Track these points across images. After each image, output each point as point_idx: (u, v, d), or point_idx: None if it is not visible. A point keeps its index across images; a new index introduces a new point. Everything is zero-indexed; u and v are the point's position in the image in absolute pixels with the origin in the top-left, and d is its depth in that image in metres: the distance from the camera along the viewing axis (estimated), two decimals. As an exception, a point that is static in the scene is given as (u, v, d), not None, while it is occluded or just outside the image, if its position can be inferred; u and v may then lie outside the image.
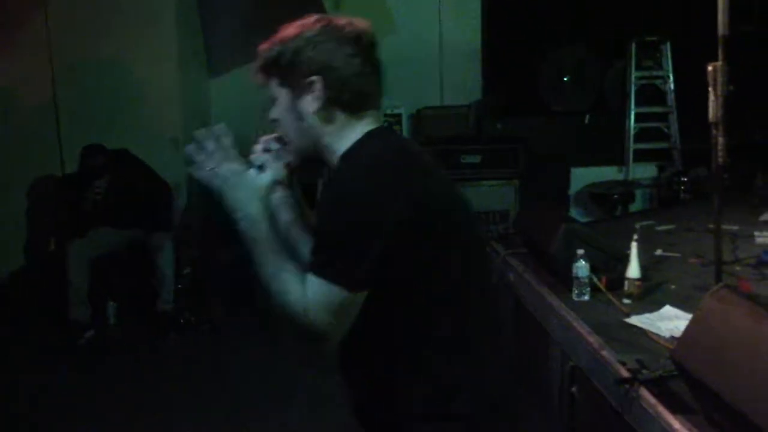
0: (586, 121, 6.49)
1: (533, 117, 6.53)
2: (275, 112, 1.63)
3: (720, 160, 2.28)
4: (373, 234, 1.42)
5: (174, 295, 4.92)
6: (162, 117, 5.60)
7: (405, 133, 6.82)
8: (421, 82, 6.87)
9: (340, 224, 1.45)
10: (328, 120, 1.58)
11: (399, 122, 6.81)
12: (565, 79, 6.65)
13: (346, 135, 1.59)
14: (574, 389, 2.71)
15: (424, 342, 1.51)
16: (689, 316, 2.52)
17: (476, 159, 5.73)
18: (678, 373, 1.80)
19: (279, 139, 1.67)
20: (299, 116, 1.59)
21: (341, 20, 1.60)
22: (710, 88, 2.28)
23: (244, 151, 4.84)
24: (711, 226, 3.85)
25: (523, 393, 3.43)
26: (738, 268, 3.14)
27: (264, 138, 1.69)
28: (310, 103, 1.56)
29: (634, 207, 6.21)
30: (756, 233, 3.67)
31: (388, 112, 6.81)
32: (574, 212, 6.30)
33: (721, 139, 2.23)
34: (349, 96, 1.57)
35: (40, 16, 5.41)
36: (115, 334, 4.94)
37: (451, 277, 1.52)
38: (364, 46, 1.58)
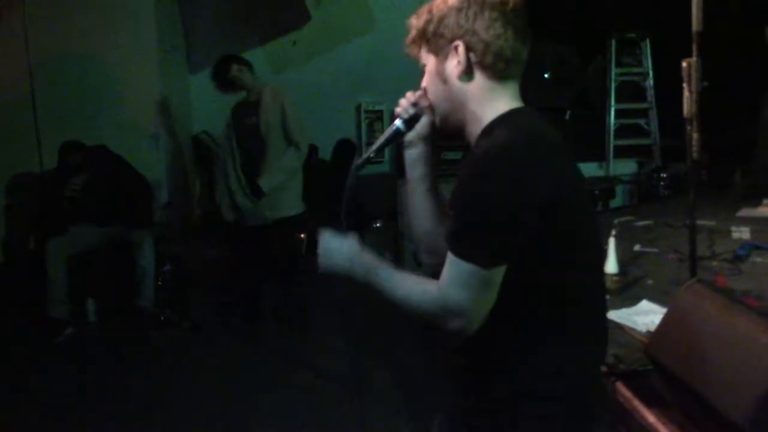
0: (567, 117, 6.53)
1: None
2: (425, 80, 1.67)
3: (695, 155, 2.29)
4: (511, 215, 1.42)
5: (154, 292, 4.89)
6: (141, 113, 5.56)
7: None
8: (401, 78, 6.83)
9: (480, 203, 1.44)
10: (472, 83, 1.60)
11: (381, 119, 6.83)
12: (546, 75, 6.67)
13: (491, 103, 1.59)
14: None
15: (541, 323, 1.53)
16: (665, 310, 2.55)
17: (458, 155, 5.72)
18: (652, 367, 1.81)
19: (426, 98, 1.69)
20: (445, 80, 1.62)
21: None
22: (684, 84, 2.29)
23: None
24: (689, 221, 3.91)
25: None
26: (714, 263, 3.17)
27: (413, 93, 1.70)
28: (454, 68, 1.59)
29: (615, 203, 6.25)
30: (733, 228, 3.71)
31: (370, 108, 6.83)
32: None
33: (695, 135, 2.24)
34: (492, 59, 1.57)
35: (17, 10, 5.34)
36: (94, 332, 4.90)
37: (575, 264, 1.53)
38: (509, 10, 1.58)
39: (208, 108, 6.66)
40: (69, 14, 5.40)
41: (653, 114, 6.52)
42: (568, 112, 6.57)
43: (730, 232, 3.67)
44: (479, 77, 1.59)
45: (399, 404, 3.81)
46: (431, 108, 1.67)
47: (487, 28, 1.56)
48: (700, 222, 3.89)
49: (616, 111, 6.47)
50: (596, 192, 6.09)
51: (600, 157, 6.54)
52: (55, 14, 5.40)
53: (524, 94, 5.68)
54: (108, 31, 5.46)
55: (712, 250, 3.31)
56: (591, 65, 6.81)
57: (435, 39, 1.62)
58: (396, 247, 5.52)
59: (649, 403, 1.85)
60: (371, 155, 1.71)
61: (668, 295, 2.77)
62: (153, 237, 4.90)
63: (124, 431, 3.69)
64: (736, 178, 5.18)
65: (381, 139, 1.70)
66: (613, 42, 6.45)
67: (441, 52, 1.61)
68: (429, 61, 1.64)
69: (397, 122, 1.68)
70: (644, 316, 2.50)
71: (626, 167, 6.56)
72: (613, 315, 2.54)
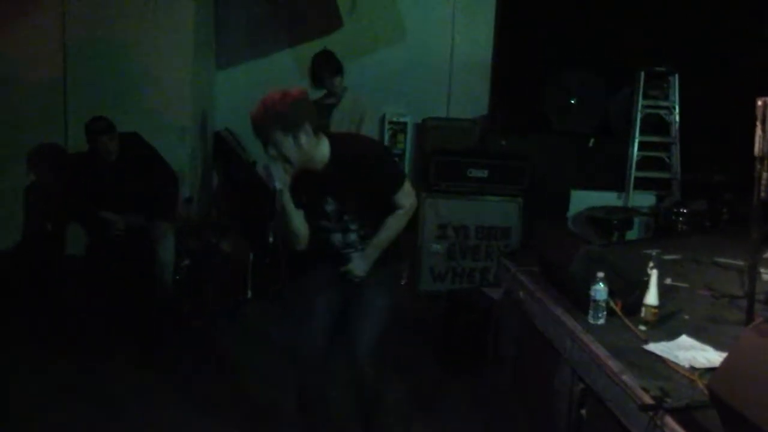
0: (591, 144, 6.54)
1: (537, 136, 6.57)
2: (285, 151, 2.81)
3: (763, 194, 2.29)
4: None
5: (172, 287, 4.86)
6: (171, 105, 5.52)
7: (409, 142, 6.84)
8: (428, 92, 6.88)
9: (392, 163, 3.29)
10: (312, 140, 2.86)
11: (404, 130, 6.81)
12: (572, 101, 6.69)
13: (321, 144, 2.92)
14: (583, 411, 2.72)
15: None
16: (706, 347, 2.55)
17: (483, 173, 5.73)
18: (712, 405, 1.80)
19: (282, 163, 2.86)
20: (299, 147, 2.83)
21: (294, 91, 2.86)
22: (758, 123, 2.29)
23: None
24: (718, 259, 3.92)
25: (523, 410, 3.45)
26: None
27: (271, 173, 2.83)
28: (304, 138, 2.83)
29: (630, 234, 6.25)
30: (762, 270, 3.69)
31: (394, 120, 6.83)
32: (570, 234, 6.33)
33: (765, 174, 2.24)
34: (315, 126, 2.88)
35: (57, -9, 5.36)
36: (109, 321, 4.84)
37: None
38: (311, 103, 3.01)
39: (231, 105, 6.66)
40: (108, 2, 5.41)
41: (676, 149, 6.54)
42: (591, 140, 6.57)
43: (759, 273, 3.65)
44: (313, 137, 2.85)
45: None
46: (290, 165, 2.83)
47: (311, 112, 2.88)
48: (728, 261, 3.92)
49: (640, 143, 6.48)
50: (614, 222, 6.09)
51: (619, 187, 6.54)
52: (95, 1, 5.40)
53: (549, 119, 5.86)
54: (146, 20, 5.43)
55: (744, 290, 3.31)
56: (617, 95, 6.82)
57: (290, 126, 2.78)
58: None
59: (701, 440, 1.85)
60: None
61: (705, 331, 2.78)
62: (175, 231, 4.88)
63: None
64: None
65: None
66: (642, 74, 6.46)
67: (294, 131, 2.78)
68: (286, 139, 2.78)
69: (277, 184, 2.84)
70: (685, 351, 2.50)
71: (644, 199, 6.55)
72: (654, 347, 2.54)
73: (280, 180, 2.83)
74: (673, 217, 5.97)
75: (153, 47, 5.46)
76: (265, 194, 6.15)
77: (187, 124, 5.61)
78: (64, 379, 4.10)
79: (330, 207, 3.00)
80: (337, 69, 5.00)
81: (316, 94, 5.09)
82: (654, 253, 3.44)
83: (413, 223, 4.32)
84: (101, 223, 4.71)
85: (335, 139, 2.96)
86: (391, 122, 6.82)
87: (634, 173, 6.49)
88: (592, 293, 2.78)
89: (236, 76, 6.69)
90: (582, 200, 6.47)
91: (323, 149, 2.89)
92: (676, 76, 6.49)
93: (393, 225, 3.05)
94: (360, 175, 2.91)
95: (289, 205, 2.92)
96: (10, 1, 5.34)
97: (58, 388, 4.00)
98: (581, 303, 2.88)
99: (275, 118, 2.75)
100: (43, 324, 4.74)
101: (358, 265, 3.05)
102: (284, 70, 6.58)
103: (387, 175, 3.01)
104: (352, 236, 3.06)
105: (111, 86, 5.41)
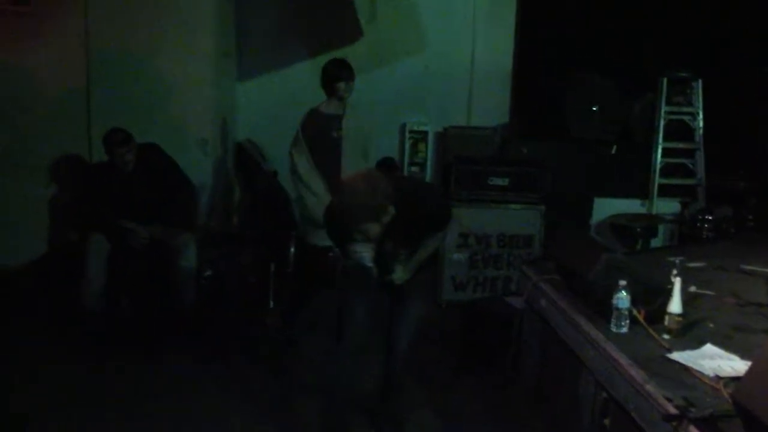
0: (613, 151, 6.48)
1: (559, 143, 6.52)
2: (371, 234, 3.10)
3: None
4: None
5: (194, 295, 4.88)
6: (193, 117, 5.55)
7: (430, 151, 6.85)
8: (448, 100, 6.87)
9: (448, 207, 3.64)
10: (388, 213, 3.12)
11: (425, 139, 6.81)
12: (594, 108, 6.64)
13: (390, 210, 3.10)
14: (606, 421, 2.68)
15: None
16: (732, 356, 2.51)
17: (504, 182, 5.70)
18: (737, 414, 1.77)
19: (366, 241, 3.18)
20: (382, 225, 3.09)
21: (371, 174, 3.30)
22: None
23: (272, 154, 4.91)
24: (744, 266, 3.86)
25: (544, 419, 3.42)
26: (775, 311, 3.10)
27: (360, 254, 3.26)
28: (386, 217, 3.09)
29: (655, 242, 6.18)
30: (788, 277, 3.63)
31: (415, 128, 6.83)
32: (594, 242, 6.26)
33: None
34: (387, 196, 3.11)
35: (80, 6, 5.41)
36: (128, 329, 4.87)
37: None
38: (382, 176, 3.26)
39: (252, 115, 6.70)
40: (130, 12, 5.45)
41: (700, 155, 6.45)
42: (614, 147, 6.52)
43: (786, 280, 3.59)
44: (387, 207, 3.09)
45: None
46: (370, 239, 3.13)
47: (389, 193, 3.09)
48: (754, 268, 3.85)
49: (663, 149, 6.41)
50: (638, 229, 6.03)
51: (643, 194, 6.47)
52: (116, 10, 5.45)
53: (571, 126, 5.88)
54: (167, 32, 5.49)
55: (770, 298, 3.25)
56: (639, 101, 6.75)
57: (376, 217, 3.04)
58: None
59: (727, 451, 1.81)
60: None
61: (731, 340, 2.73)
62: (196, 241, 4.89)
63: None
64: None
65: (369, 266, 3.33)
66: (664, 80, 6.40)
67: (380, 218, 3.06)
68: (374, 226, 3.05)
69: (368, 263, 3.28)
70: (710, 360, 2.45)
71: (669, 206, 6.47)
72: (678, 356, 2.50)
73: (368, 259, 3.25)
74: (698, 224, 5.88)
75: (175, 61, 5.50)
76: (285, 204, 6.19)
77: (209, 135, 5.64)
78: (75, 380, 4.17)
79: (389, 247, 3.36)
80: (349, 75, 4.92)
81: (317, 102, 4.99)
82: (678, 260, 3.39)
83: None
84: (123, 232, 4.73)
85: (396, 194, 3.13)
86: (411, 131, 6.82)
87: (657, 180, 6.42)
88: (615, 301, 2.75)
89: (257, 86, 6.73)
90: (605, 208, 6.42)
91: (391, 212, 3.12)
92: (699, 81, 6.42)
93: (433, 244, 3.49)
94: (419, 224, 3.31)
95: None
96: (34, 14, 5.42)
97: (63, 389, 4.06)
98: (604, 311, 2.84)
99: (364, 215, 3.02)
100: (60, 328, 4.81)
101: (401, 277, 3.40)
102: (305, 81, 6.59)
103: (443, 219, 3.47)
104: (402, 256, 3.43)
105: (134, 97, 5.46)
